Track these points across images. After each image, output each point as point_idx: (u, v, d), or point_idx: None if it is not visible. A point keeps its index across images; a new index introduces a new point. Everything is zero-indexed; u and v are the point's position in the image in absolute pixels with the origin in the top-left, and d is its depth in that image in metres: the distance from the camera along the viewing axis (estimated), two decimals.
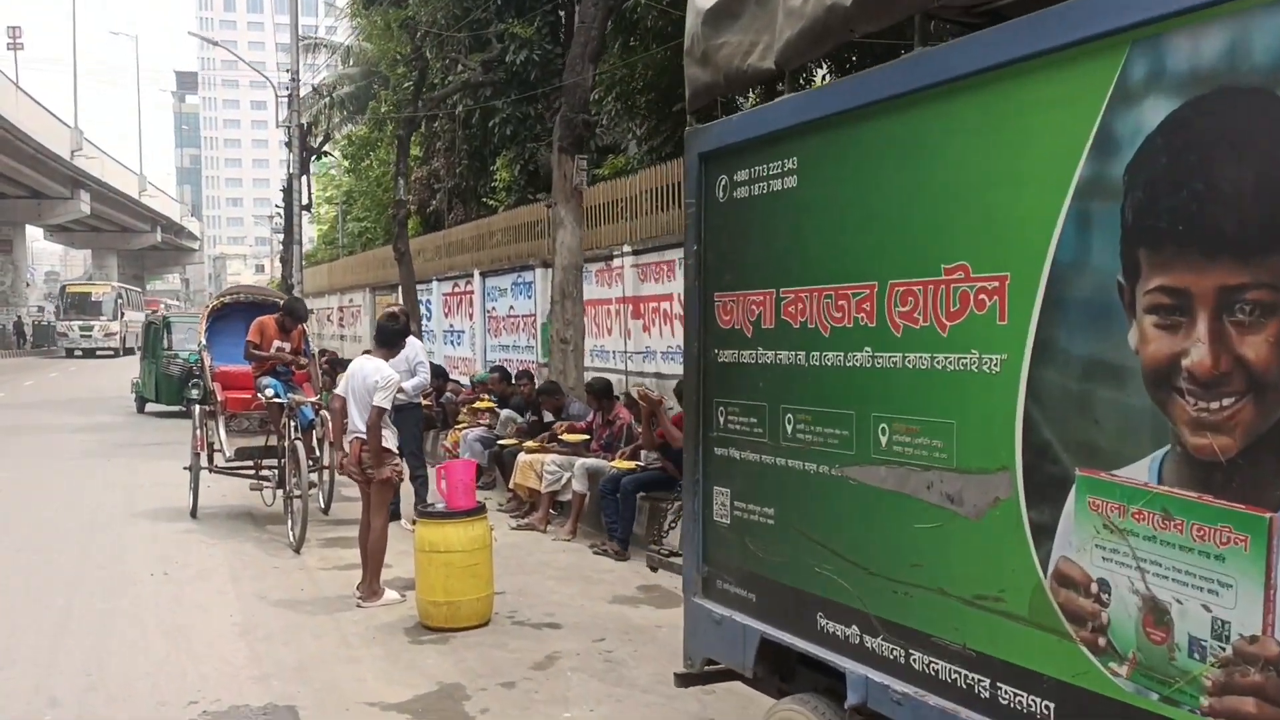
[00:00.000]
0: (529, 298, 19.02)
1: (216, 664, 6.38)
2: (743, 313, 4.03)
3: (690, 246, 4.31)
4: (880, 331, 3.37)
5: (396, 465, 7.66)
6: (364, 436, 7.43)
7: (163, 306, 58.61)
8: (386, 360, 7.81)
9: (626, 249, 15.36)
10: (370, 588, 7.60)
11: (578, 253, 12.50)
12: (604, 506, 9.48)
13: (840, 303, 3.54)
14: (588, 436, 10.24)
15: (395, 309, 9.01)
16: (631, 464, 9.58)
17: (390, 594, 7.64)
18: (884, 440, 3.36)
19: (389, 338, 8.05)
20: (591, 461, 9.89)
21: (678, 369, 14.23)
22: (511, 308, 19.89)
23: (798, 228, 3.78)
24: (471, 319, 21.67)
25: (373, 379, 7.61)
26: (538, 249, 19.09)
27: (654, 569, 8.64)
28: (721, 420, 4.16)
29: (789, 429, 3.77)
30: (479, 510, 7.07)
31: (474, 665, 6.30)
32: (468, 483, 7.04)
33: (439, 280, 23.35)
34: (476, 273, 21.23)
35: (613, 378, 14.36)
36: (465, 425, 13.65)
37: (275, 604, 7.71)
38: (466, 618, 6.95)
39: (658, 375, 14.44)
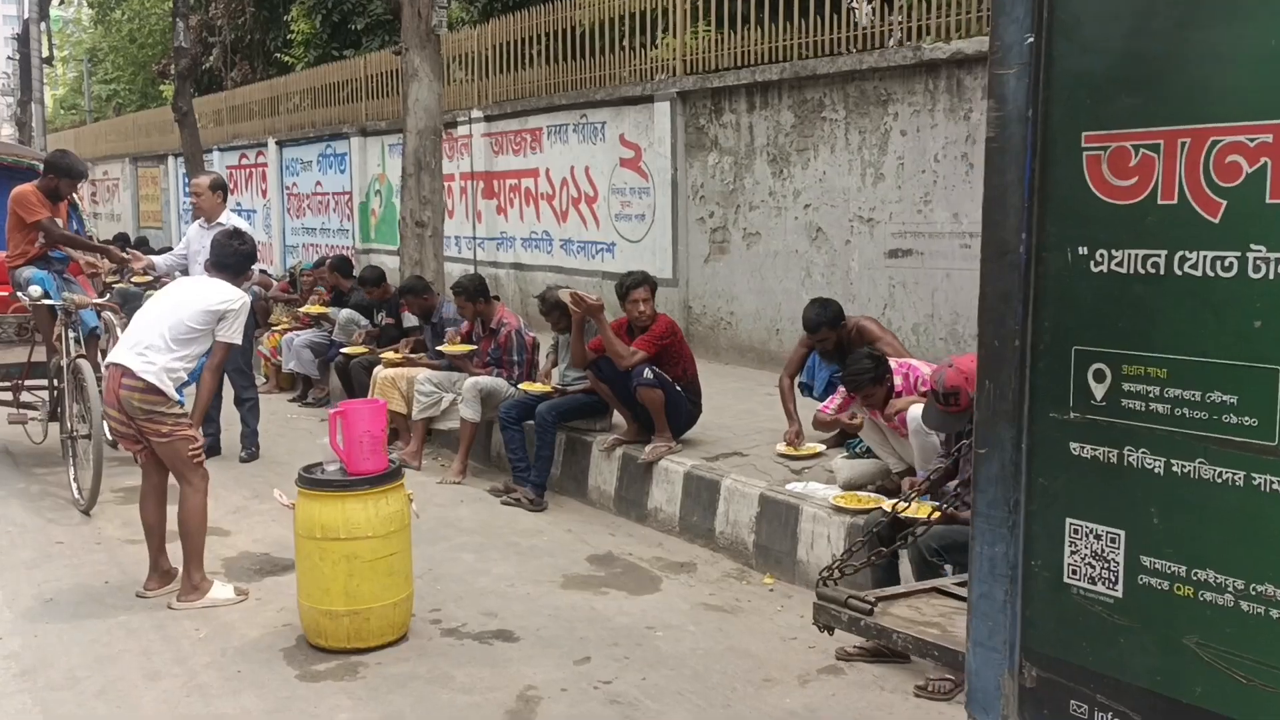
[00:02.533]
0: (342, 172, 16.12)
1: None
2: (1191, 172, 1.96)
3: (1012, 43, 2.17)
4: None
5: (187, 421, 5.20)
6: (150, 377, 4.95)
7: None
8: None
9: (476, 114, 12.78)
10: (191, 581, 5.20)
11: (436, 113, 9.95)
12: (507, 441, 7.29)
13: None
14: (473, 347, 7.93)
15: (233, 227, 6.37)
16: (545, 386, 7.38)
17: (221, 588, 5.28)
18: None
19: (240, 262, 5.52)
20: (487, 380, 7.62)
21: (544, 258, 12.01)
22: (318, 184, 16.91)
23: None
24: (265, 196, 18.49)
25: (216, 301, 5.13)
26: (352, 114, 16.14)
27: (515, 502, 6.94)
28: (1102, 393, 2.10)
29: None
30: (394, 474, 4.77)
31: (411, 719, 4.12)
32: (376, 435, 4.72)
33: (221, 151, 19.88)
34: (271, 142, 18.02)
35: (456, 269, 11.94)
36: (286, 327, 10.99)
37: (67, 610, 5.21)
38: (378, 632, 4.71)
39: (516, 266, 12.12)
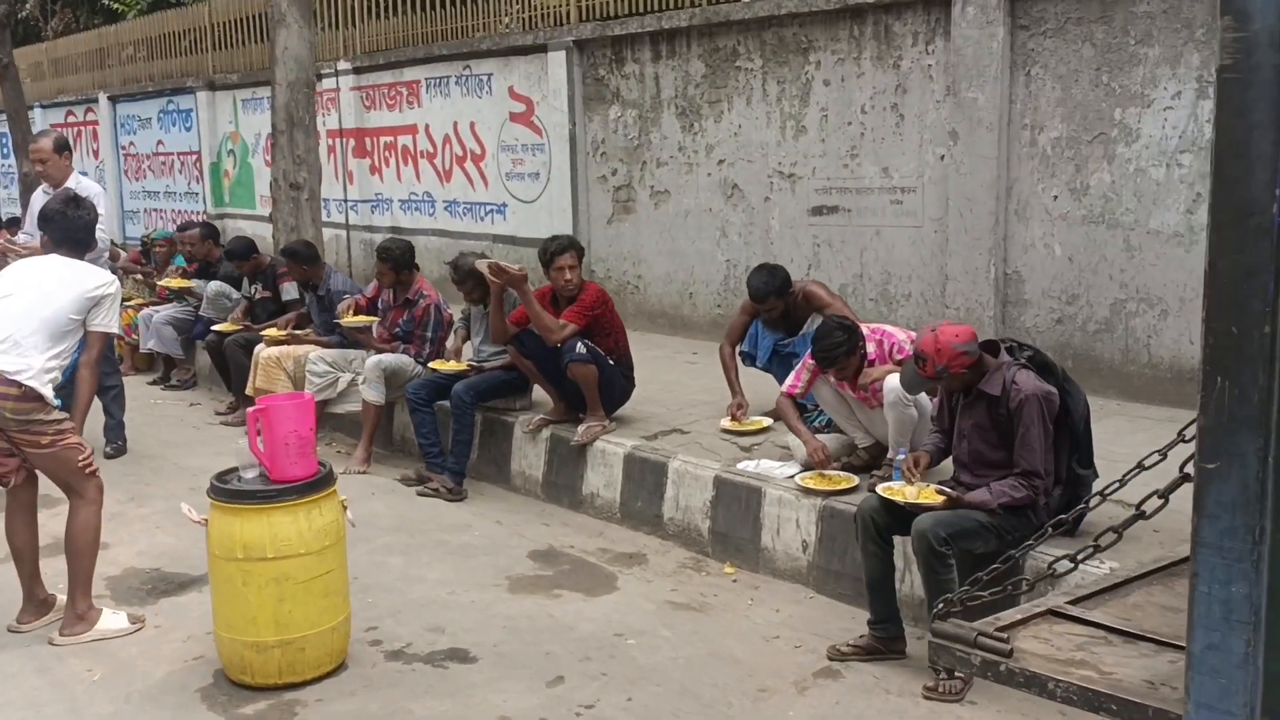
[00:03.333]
0: (188, 129, 14.84)
1: None
2: None
3: None
4: None
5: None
6: (29, 380, 4.15)
7: None
8: None
9: (343, 65, 11.83)
10: (76, 610, 4.44)
11: (308, 63, 9.03)
12: (418, 425, 6.61)
13: None
14: (375, 319, 7.18)
15: (67, 188, 5.48)
16: (459, 364, 6.72)
17: (112, 617, 4.54)
18: None
19: (89, 234, 4.69)
20: (391, 358, 6.91)
21: (427, 221, 11.19)
22: (160, 143, 15.56)
23: None
24: (97, 157, 16.96)
25: (92, 287, 4.34)
26: (196, 66, 14.86)
27: (432, 492, 6.34)
28: None
29: None
30: (326, 479, 4.09)
31: None
32: (305, 435, 4.02)
33: (44, 108, 18.14)
34: (103, 97, 16.50)
35: (328, 234, 11.07)
36: (141, 301, 9.94)
37: None
38: (314, 663, 4.05)
39: (395, 230, 11.30)
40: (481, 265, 5.98)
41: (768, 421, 6.09)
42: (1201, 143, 5.86)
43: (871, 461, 5.24)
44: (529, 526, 5.92)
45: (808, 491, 5.05)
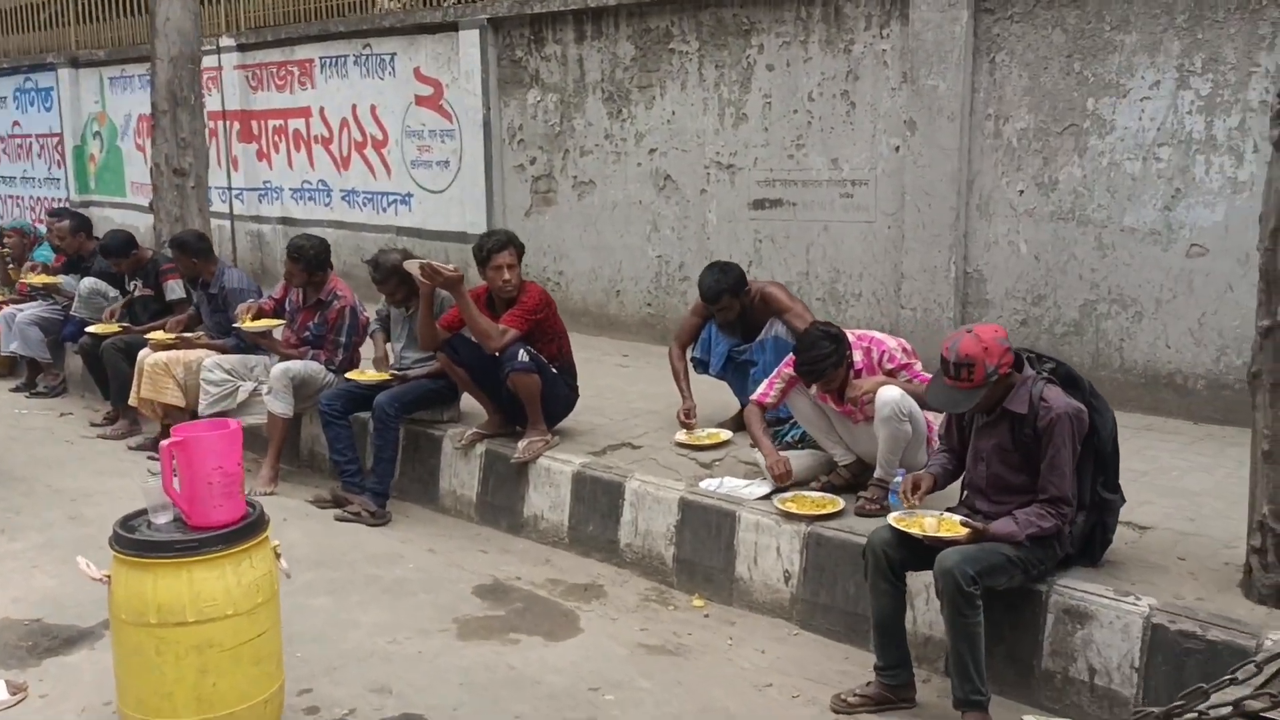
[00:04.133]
0: (48, 109, 13.63)
1: None
2: None
3: None
4: None
5: None
6: None
7: None
8: None
9: (226, 42, 10.91)
10: None
11: (194, 37, 8.16)
12: (332, 440, 5.92)
13: None
14: (280, 323, 6.43)
15: None
16: (382, 374, 6.03)
17: None
18: None
19: None
20: (300, 366, 6.17)
21: (322, 212, 10.34)
22: (17, 124, 14.29)
23: None
24: None
25: None
26: (58, 41, 13.64)
27: (353, 517, 5.68)
28: None
29: None
30: (256, 524, 3.41)
31: None
32: (232, 472, 3.33)
33: None
34: None
35: (213, 223, 10.15)
36: (1, 300, 8.91)
37: None
38: None
39: (285, 221, 10.46)
40: (412, 266, 5.31)
41: (727, 434, 5.59)
42: (1182, 135, 5.56)
43: (854, 481, 4.78)
44: (466, 555, 5.30)
45: (790, 516, 4.56)
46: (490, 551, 5.37)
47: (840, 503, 4.58)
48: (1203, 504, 4.57)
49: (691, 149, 7.59)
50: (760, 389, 4.85)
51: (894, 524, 3.79)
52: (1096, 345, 5.96)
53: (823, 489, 4.77)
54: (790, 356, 4.74)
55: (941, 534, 3.70)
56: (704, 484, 5.01)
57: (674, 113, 7.66)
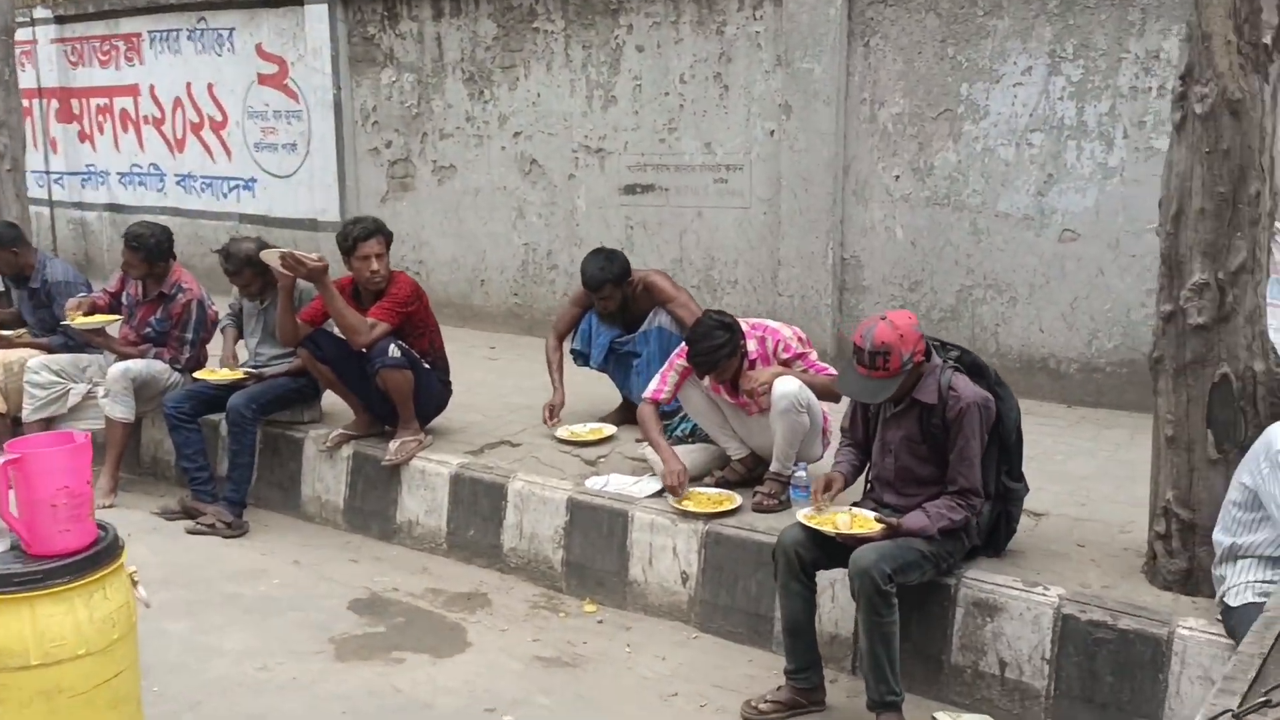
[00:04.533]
0: None
1: None
2: None
3: None
4: None
5: None
6: None
7: None
8: None
9: (41, 13, 10.06)
10: None
11: (6, 9, 7.42)
12: (180, 445, 5.46)
13: None
14: (115, 319, 5.88)
15: None
16: (236, 373, 5.57)
17: None
18: None
19: None
20: (140, 365, 5.65)
21: (154, 198, 9.61)
22: None
23: None
24: None
25: None
26: None
27: (208, 529, 5.25)
28: None
29: None
30: (110, 550, 3.01)
31: None
32: (80, 492, 2.92)
33: None
34: None
35: (31, 210, 9.35)
36: None
37: None
38: None
39: (113, 208, 9.74)
40: (270, 255, 4.90)
41: (611, 430, 5.37)
42: (1054, 121, 5.60)
43: (748, 475, 4.62)
44: (335, 566, 4.93)
45: (686, 514, 4.37)
46: (362, 561, 5.01)
47: (737, 499, 4.41)
48: (1091, 489, 4.59)
49: (559, 132, 7.32)
50: (652, 385, 4.63)
51: (805, 522, 3.64)
52: (972, 330, 5.98)
53: (717, 485, 4.59)
54: (681, 348, 4.55)
55: (855, 531, 3.57)
56: (590, 482, 4.79)
57: (539, 95, 7.37)
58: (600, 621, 4.43)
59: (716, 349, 4.24)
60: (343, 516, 5.37)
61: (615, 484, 4.75)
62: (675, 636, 4.29)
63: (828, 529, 3.59)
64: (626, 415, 5.54)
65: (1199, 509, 3.54)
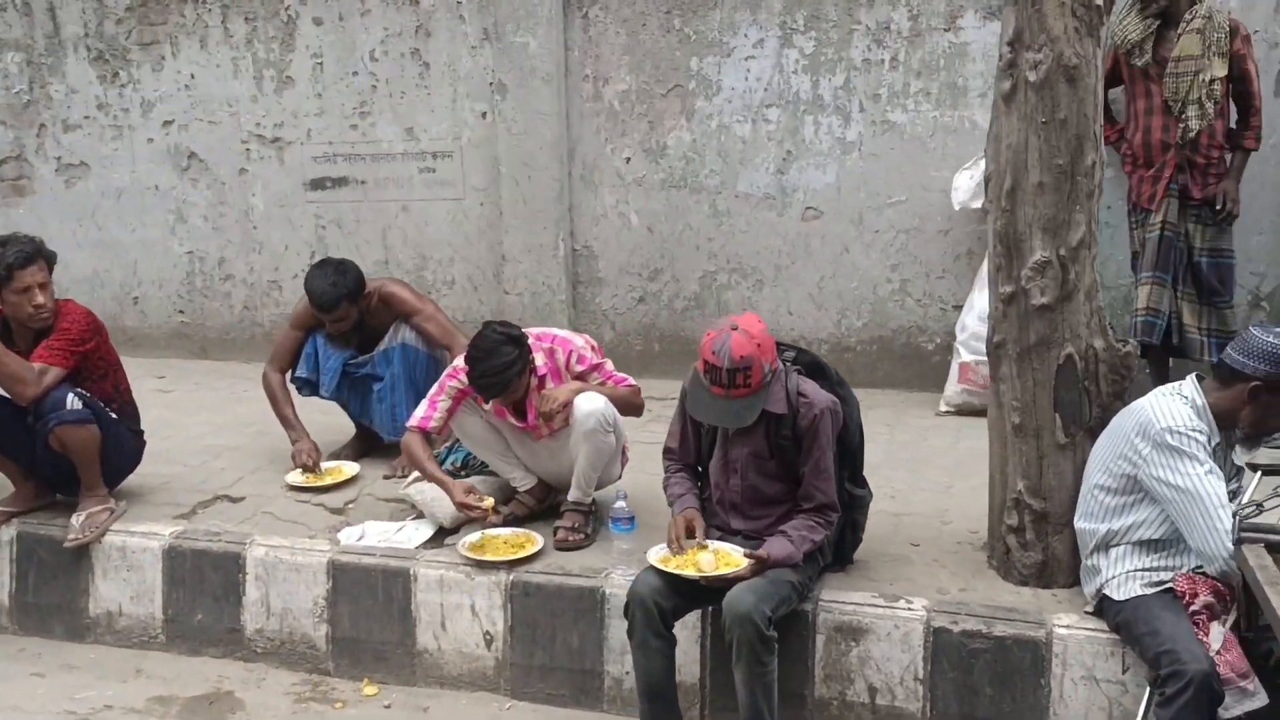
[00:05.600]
0: None
1: None
2: None
3: None
4: None
5: None
6: None
7: None
8: None
9: None
10: None
11: None
12: None
13: None
14: None
15: None
16: None
17: None
18: None
19: None
20: None
21: None
22: None
23: None
24: None
25: None
26: None
27: None
28: None
29: None
30: None
31: None
32: None
33: None
34: None
35: None
36: None
37: None
38: None
39: None
40: None
41: (352, 467, 4.57)
42: (789, 96, 5.39)
43: (539, 508, 4.04)
44: (14, 686, 3.83)
45: (482, 564, 3.72)
46: (50, 673, 3.93)
47: (538, 539, 3.81)
48: (889, 479, 4.38)
49: (222, 120, 6.25)
50: (419, 412, 3.90)
51: (662, 567, 3.12)
52: (719, 317, 5.68)
53: (505, 523, 3.96)
54: (453, 367, 3.87)
55: (723, 571, 3.10)
56: (343, 535, 4.00)
57: (193, 76, 6.26)
58: (387, 706, 3.69)
59: (505, 368, 3.60)
60: (10, 617, 4.21)
61: (374, 534, 4.01)
62: (484, 710, 3.64)
63: (690, 573, 3.10)
64: (365, 447, 4.76)
65: (1050, 497, 3.38)
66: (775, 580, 3.10)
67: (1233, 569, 2.81)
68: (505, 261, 5.84)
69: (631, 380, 3.92)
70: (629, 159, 5.66)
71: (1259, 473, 3.16)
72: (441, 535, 3.96)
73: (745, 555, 3.12)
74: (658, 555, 3.18)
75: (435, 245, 6.06)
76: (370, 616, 3.82)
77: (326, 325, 4.49)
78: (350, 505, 4.31)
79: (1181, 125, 4.42)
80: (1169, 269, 4.54)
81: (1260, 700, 2.80)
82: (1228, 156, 4.58)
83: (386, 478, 4.54)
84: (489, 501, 3.78)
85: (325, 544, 3.96)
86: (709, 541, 3.25)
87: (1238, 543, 2.41)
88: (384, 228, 6.12)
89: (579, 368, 3.85)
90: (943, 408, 5.16)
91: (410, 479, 4.20)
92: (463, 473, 4.21)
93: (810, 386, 3.26)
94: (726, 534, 3.35)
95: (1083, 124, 3.22)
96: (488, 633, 3.71)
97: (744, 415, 3.09)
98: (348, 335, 4.56)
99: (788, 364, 3.32)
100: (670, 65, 5.53)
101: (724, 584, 3.08)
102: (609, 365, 3.94)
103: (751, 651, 2.98)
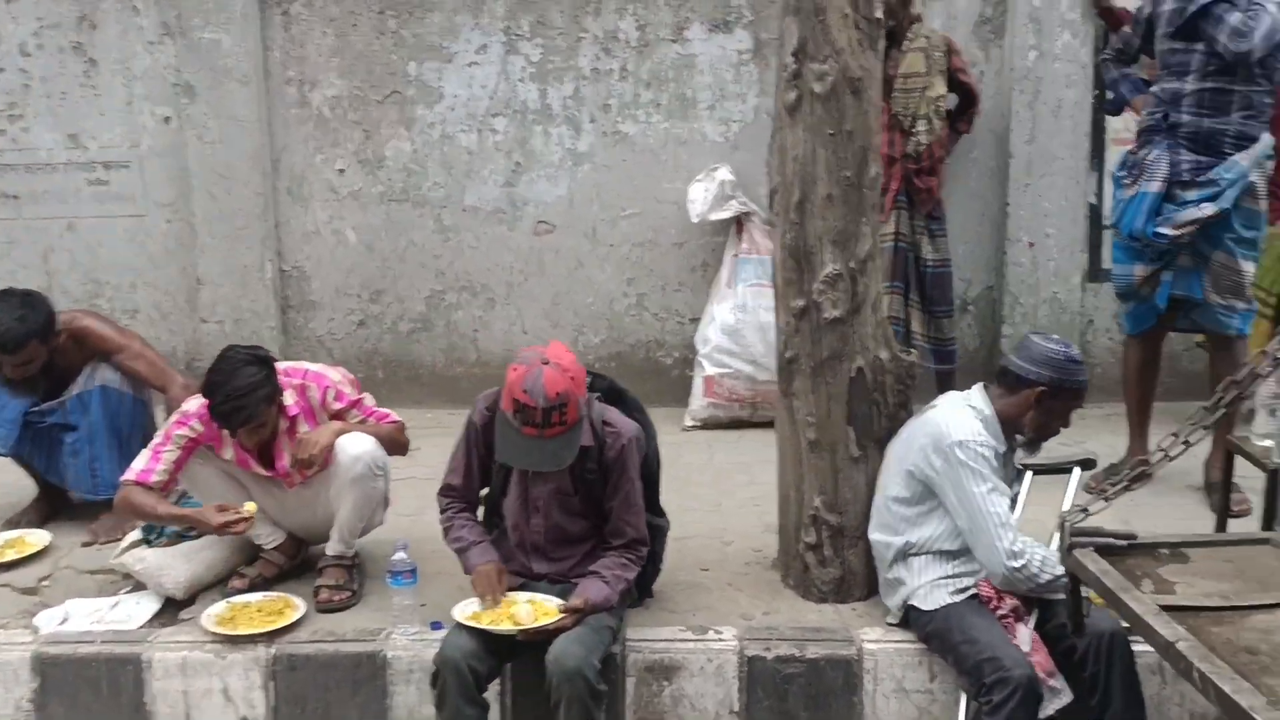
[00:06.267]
0: None
1: None
2: None
3: None
4: None
5: None
6: None
7: None
8: None
9: None
10: None
11: None
12: None
13: None
14: None
15: None
16: None
17: None
18: None
19: None
20: None
21: None
22: None
23: None
24: None
25: None
26: None
27: None
28: None
29: None
30: None
31: None
32: None
33: None
34: None
35: None
36: None
37: None
38: None
39: None
40: None
41: (42, 537, 3.85)
42: (517, 105, 5.14)
43: (289, 565, 3.55)
44: None
45: (234, 639, 3.20)
46: None
47: (297, 602, 3.33)
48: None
49: None
50: (137, 464, 3.29)
51: (474, 625, 2.79)
52: (449, 339, 5.35)
53: (252, 587, 3.44)
54: (182, 413, 3.32)
55: (542, 622, 2.80)
56: (39, 621, 3.33)
57: None
58: None
59: (251, 389, 3.11)
60: None
61: (81, 615, 3.38)
62: None
63: (507, 628, 2.79)
64: (50, 510, 4.04)
65: (846, 511, 3.36)
66: (596, 628, 2.85)
67: (1015, 582, 2.87)
68: (201, 285, 5.19)
69: (395, 415, 3.53)
70: (343, 170, 5.19)
71: (1030, 473, 3.28)
72: (173, 608, 3.39)
73: (561, 609, 2.83)
74: (465, 613, 2.84)
75: (111, 269, 5.28)
76: (93, 716, 3.18)
77: (6, 369, 3.73)
78: (45, 583, 3.62)
79: (912, 139, 4.59)
80: (903, 278, 4.71)
81: (1067, 697, 2.88)
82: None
83: (86, 544, 3.85)
84: (250, 506, 3.26)
85: (23, 633, 3.27)
86: (520, 592, 2.95)
87: (1070, 549, 2.43)
88: (45, 250, 5.26)
89: (337, 405, 3.41)
90: (689, 422, 5.09)
91: (124, 544, 3.58)
92: (192, 534, 3.60)
93: (615, 414, 3.04)
94: (529, 579, 3.06)
95: (866, 136, 3.22)
96: (245, 718, 3.19)
97: (562, 455, 2.81)
98: (35, 380, 3.82)
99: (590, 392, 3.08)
100: (386, 70, 5.12)
101: (543, 637, 2.79)
102: (369, 400, 3.52)
103: (583, 709, 2.71)
